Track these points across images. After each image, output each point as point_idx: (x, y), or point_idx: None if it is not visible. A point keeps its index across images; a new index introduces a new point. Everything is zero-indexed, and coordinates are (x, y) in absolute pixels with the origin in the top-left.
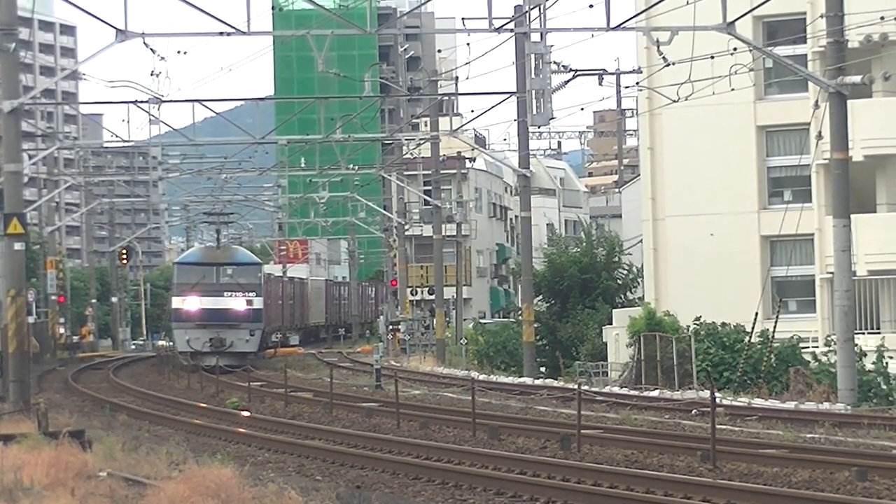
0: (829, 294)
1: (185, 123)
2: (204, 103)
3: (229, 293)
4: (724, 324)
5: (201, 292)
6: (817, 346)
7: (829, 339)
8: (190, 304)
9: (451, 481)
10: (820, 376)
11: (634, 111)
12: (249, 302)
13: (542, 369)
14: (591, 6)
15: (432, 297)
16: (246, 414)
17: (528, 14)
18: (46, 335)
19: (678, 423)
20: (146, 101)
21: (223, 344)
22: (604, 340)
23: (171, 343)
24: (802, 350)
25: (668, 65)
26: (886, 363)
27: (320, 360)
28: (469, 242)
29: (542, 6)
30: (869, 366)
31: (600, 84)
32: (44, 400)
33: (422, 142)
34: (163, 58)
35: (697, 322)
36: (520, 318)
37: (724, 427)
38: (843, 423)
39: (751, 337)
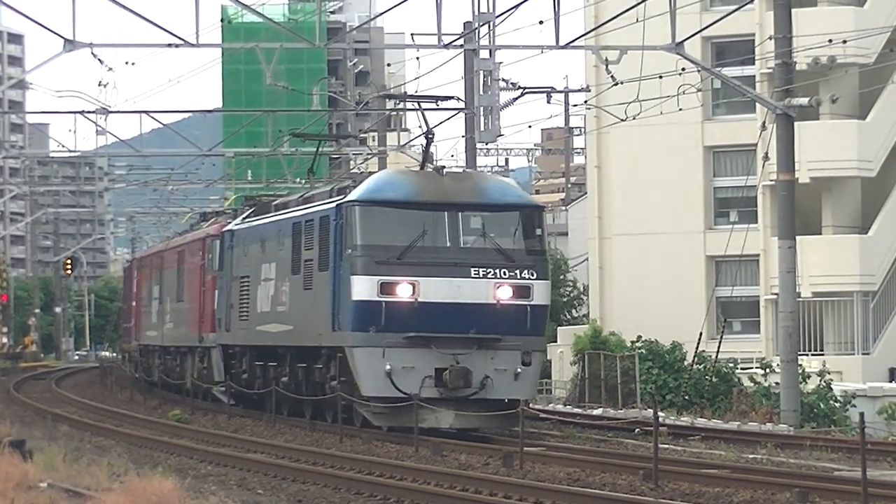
0: (773, 315)
1: (132, 134)
2: (151, 114)
3: (481, 270)
4: (655, 341)
5: (418, 269)
6: (760, 368)
7: (764, 362)
8: (395, 292)
9: (393, 497)
10: (759, 397)
11: (582, 129)
12: (524, 291)
13: None
14: (540, 22)
15: None
16: None
17: (477, 31)
18: None
19: (621, 441)
20: (93, 112)
21: (466, 381)
22: (548, 358)
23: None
24: (746, 370)
25: (616, 84)
26: (829, 383)
27: None
28: None
29: (491, 23)
30: (811, 387)
31: (548, 102)
32: None
33: (369, 156)
34: (111, 68)
35: (639, 341)
36: None
37: (666, 446)
38: (786, 444)
39: (695, 359)
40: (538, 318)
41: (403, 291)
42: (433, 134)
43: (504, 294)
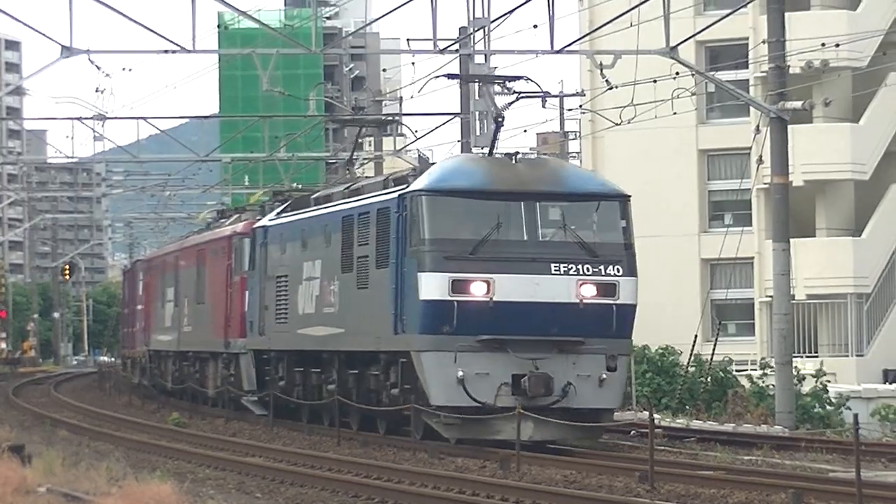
0: (767, 317)
1: (130, 140)
2: (148, 120)
3: (562, 266)
4: (646, 346)
5: (493, 265)
6: (755, 369)
7: (763, 361)
8: (468, 290)
9: (390, 500)
10: (755, 398)
11: (577, 134)
12: (609, 289)
13: None
14: (535, 26)
15: None
16: None
17: (472, 36)
18: None
19: (617, 443)
20: (91, 118)
21: (547, 389)
22: None
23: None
24: (740, 372)
25: (610, 88)
26: (825, 385)
27: None
28: None
29: (486, 28)
30: (806, 389)
31: (543, 106)
32: None
33: (366, 161)
34: (108, 74)
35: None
36: None
37: (662, 448)
38: (781, 446)
39: (689, 362)
40: (625, 319)
41: (477, 290)
42: (503, 118)
43: (587, 292)
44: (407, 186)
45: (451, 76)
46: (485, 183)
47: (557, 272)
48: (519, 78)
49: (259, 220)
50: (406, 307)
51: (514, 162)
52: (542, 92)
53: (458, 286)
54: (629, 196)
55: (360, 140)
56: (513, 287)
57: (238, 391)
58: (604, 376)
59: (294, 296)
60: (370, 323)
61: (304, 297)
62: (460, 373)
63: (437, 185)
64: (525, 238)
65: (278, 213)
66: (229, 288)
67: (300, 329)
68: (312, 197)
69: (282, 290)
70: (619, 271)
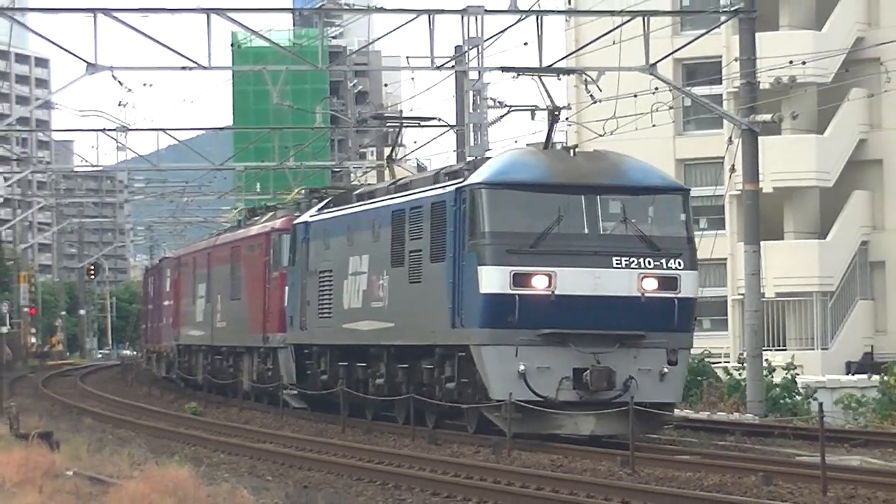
0: (739, 314)
1: (150, 150)
2: (167, 132)
3: (624, 260)
4: None
5: (554, 258)
6: (728, 362)
7: (741, 356)
8: (530, 284)
9: (391, 482)
10: (729, 389)
11: (564, 144)
12: (671, 283)
13: None
14: (525, 44)
15: None
16: None
17: (466, 53)
18: (19, 344)
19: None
20: (114, 129)
21: (609, 383)
22: None
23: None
24: (714, 365)
25: (595, 102)
26: (794, 377)
27: None
28: None
29: (480, 46)
30: (777, 380)
31: (532, 119)
32: (15, 404)
33: (368, 170)
34: (129, 89)
35: None
36: None
37: (642, 435)
38: (752, 433)
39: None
40: (686, 313)
41: (539, 283)
42: (559, 110)
43: (649, 286)
44: (464, 180)
45: (504, 69)
46: (545, 176)
47: (619, 266)
48: (574, 71)
49: (298, 216)
50: (465, 301)
51: (572, 155)
52: (531, 106)
53: (519, 279)
54: (689, 189)
55: (399, 143)
56: (574, 280)
57: (275, 385)
58: (665, 370)
59: (339, 291)
60: (424, 317)
61: (349, 292)
62: (522, 367)
63: (497, 178)
64: (586, 231)
65: (319, 210)
66: (267, 283)
67: (345, 324)
68: (355, 193)
69: (325, 285)
70: (680, 265)
